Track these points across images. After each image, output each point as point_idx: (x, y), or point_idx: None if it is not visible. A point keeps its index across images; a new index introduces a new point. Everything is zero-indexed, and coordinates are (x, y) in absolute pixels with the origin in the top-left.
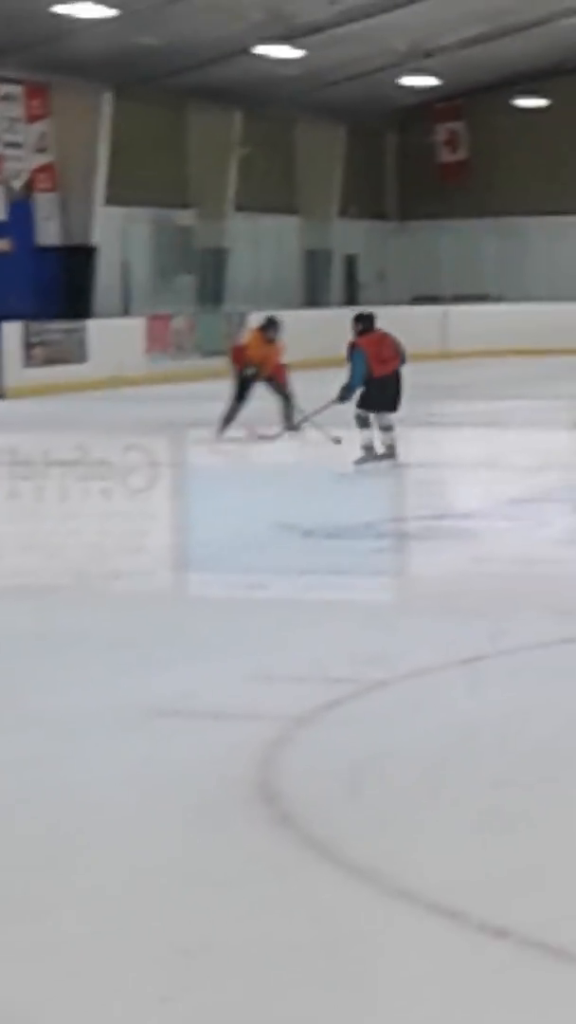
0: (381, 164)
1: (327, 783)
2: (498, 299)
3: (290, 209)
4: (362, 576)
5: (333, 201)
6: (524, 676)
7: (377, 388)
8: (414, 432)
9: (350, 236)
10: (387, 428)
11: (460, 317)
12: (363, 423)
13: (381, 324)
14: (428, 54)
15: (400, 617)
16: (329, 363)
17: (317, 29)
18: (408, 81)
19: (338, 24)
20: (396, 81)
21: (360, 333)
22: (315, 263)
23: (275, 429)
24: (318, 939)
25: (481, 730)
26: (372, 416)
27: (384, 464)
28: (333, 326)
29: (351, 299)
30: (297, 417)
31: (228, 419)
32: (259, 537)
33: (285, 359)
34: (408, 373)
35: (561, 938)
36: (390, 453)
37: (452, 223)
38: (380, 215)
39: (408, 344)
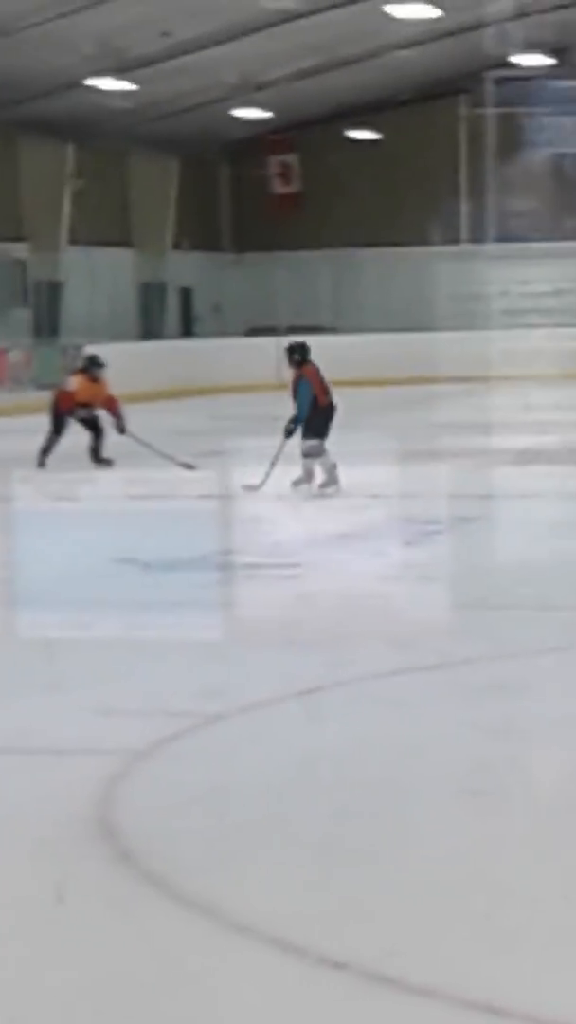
0: (215, 196)
1: (167, 818)
2: (333, 330)
3: (125, 242)
4: (200, 609)
5: (167, 233)
6: (361, 707)
7: (322, 417)
8: (249, 465)
9: (185, 268)
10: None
11: None
12: (319, 451)
13: (218, 356)
14: (260, 87)
15: (238, 650)
16: (165, 395)
17: (149, 62)
18: (240, 113)
19: (170, 57)
20: (229, 114)
21: (299, 364)
22: (150, 296)
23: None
24: (158, 975)
25: (319, 762)
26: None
27: (330, 490)
28: (169, 358)
29: (187, 331)
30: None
31: (46, 450)
32: (98, 570)
33: (114, 391)
34: (244, 405)
35: (398, 969)
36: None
37: (286, 255)
38: (215, 247)
39: (244, 376)
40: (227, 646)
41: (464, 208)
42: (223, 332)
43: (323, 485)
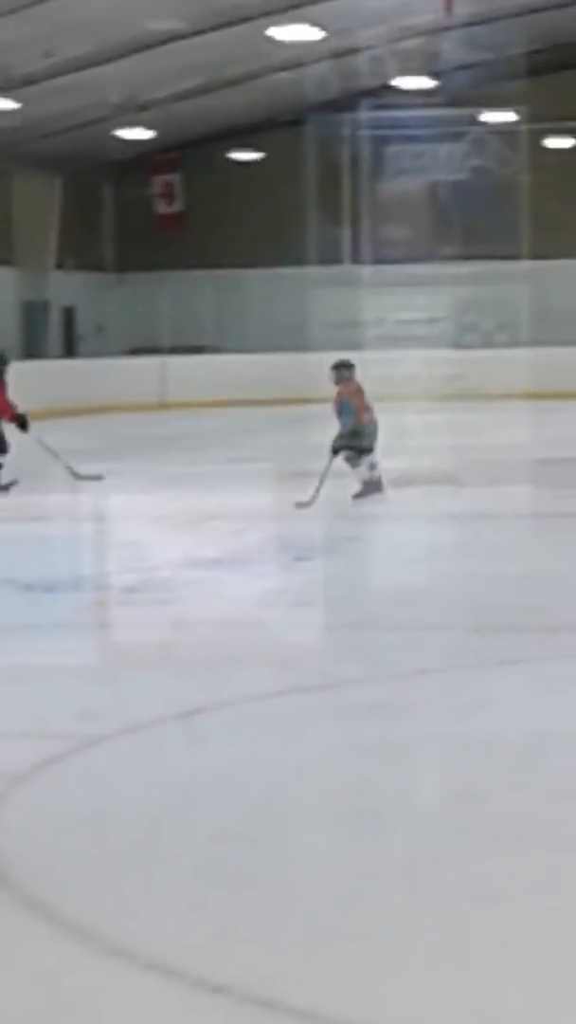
0: (98, 216)
1: (46, 841)
2: (215, 350)
3: (6, 261)
4: (80, 631)
5: (50, 253)
6: (241, 729)
7: (360, 436)
8: (129, 484)
9: (67, 288)
10: (372, 466)
11: (178, 368)
12: (355, 462)
13: (101, 376)
14: (143, 107)
15: (118, 672)
16: (47, 415)
17: (32, 81)
18: (124, 133)
19: (54, 76)
20: (112, 133)
21: (344, 381)
22: (32, 315)
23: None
24: (37, 1000)
25: (200, 784)
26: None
27: (377, 496)
28: (51, 378)
29: (69, 351)
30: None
31: None
32: None
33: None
34: (126, 425)
35: (277, 992)
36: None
37: (170, 275)
38: (98, 267)
39: (126, 395)
40: (107, 668)
41: (345, 231)
42: (106, 352)
43: (358, 495)
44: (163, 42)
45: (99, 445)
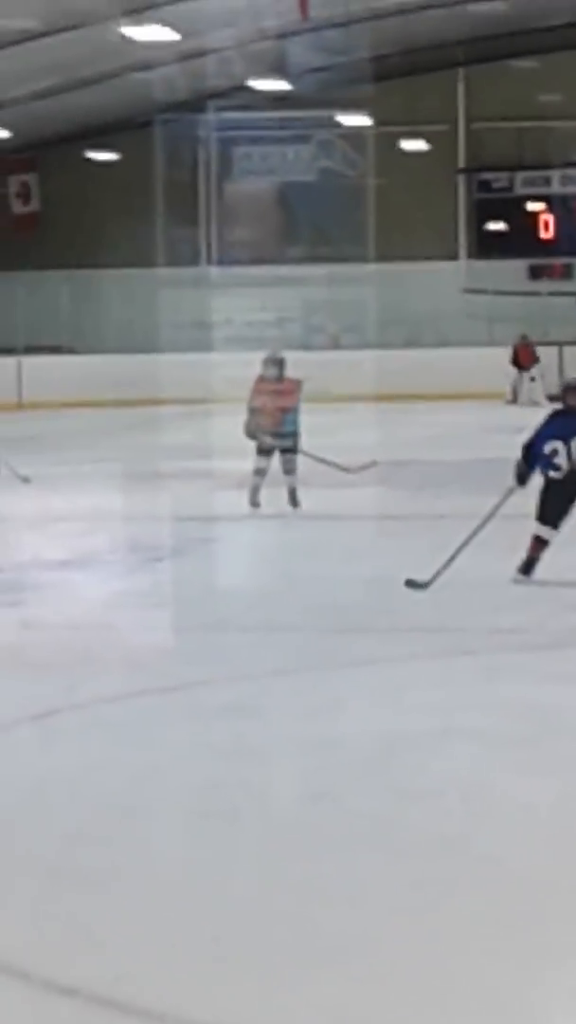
0: None
1: None
2: (71, 350)
3: None
4: None
5: None
6: (95, 731)
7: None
8: None
9: None
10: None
11: (34, 368)
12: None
13: None
14: None
15: None
16: None
17: None
18: None
19: None
20: None
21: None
22: None
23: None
24: None
25: (52, 786)
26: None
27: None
28: None
29: None
30: None
31: None
32: None
33: None
34: None
35: (128, 994)
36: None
37: (25, 275)
38: None
39: None
40: None
41: (200, 231)
42: None
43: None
44: (18, 41)
45: None
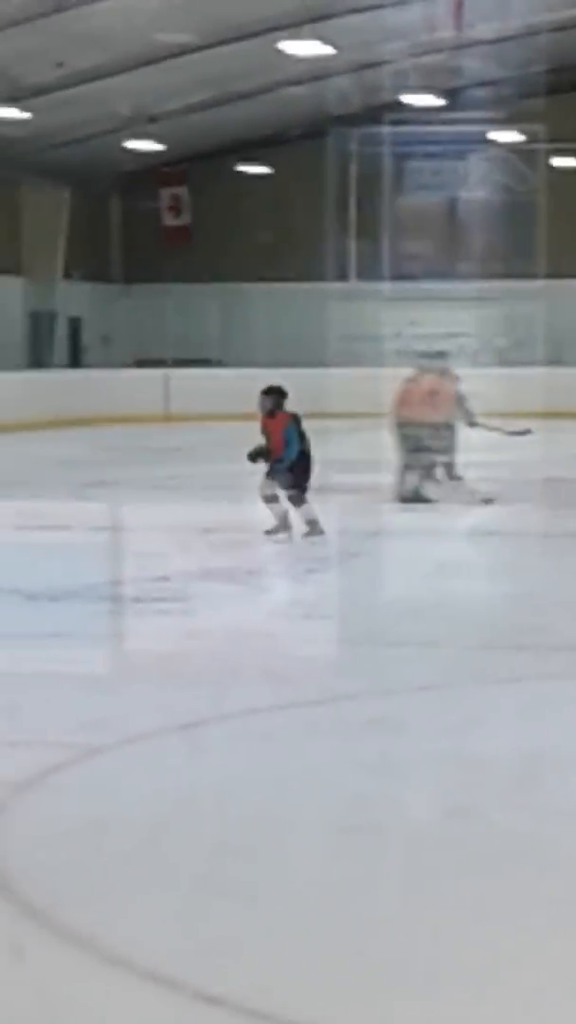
0: (106, 227)
1: (46, 850)
2: (220, 363)
3: (13, 270)
4: (83, 641)
5: (57, 263)
6: (241, 742)
7: (303, 464)
8: (132, 495)
9: (74, 298)
10: (299, 501)
11: (182, 381)
12: (270, 499)
13: (106, 387)
14: (153, 119)
15: (120, 682)
16: (51, 425)
17: (43, 91)
18: (133, 145)
19: (64, 87)
20: (121, 145)
21: (275, 410)
22: (39, 325)
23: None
24: (35, 1009)
25: (198, 796)
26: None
27: (316, 538)
28: (57, 388)
29: (75, 362)
30: None
31: None
32: None
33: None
34: (130, 436)
35: (273, 1004)
36: (315, 529)
37: (175, 287)
38: (104, 278)
39: (130, 407)
40: (109, 679)
41: (353, 246)
42: (111, 363)
43: (271, 531)
44: (174, 55)
45: (102, 456)
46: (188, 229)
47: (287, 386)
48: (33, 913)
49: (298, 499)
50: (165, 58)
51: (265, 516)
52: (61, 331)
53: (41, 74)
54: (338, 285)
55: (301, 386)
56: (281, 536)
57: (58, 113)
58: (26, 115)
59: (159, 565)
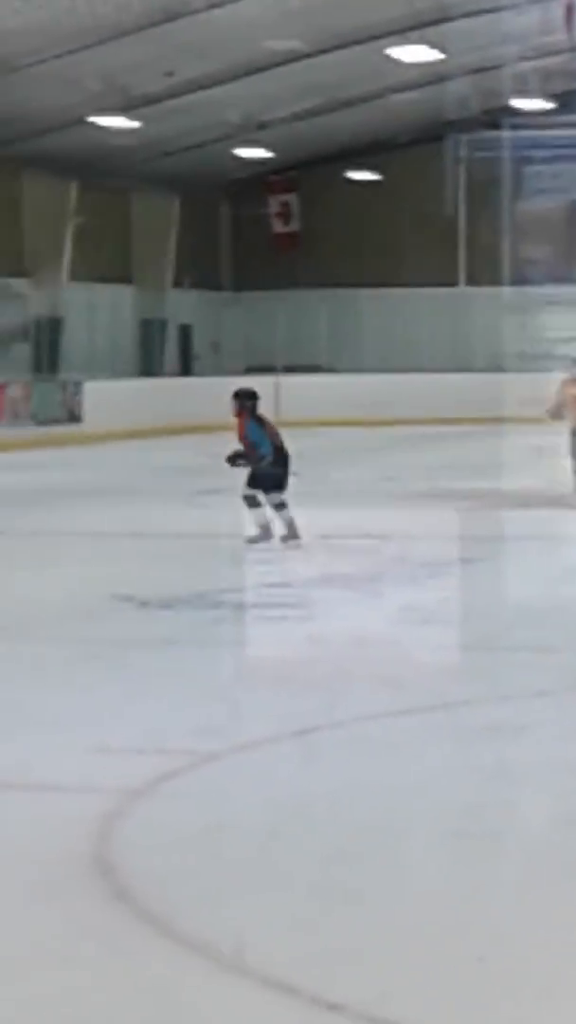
0: (215, 234)
1: (162, 856)
2: (329, 370)
3: (125, 278)
4: (196, 647)
5: (168, 271)
6: (356, 749)
7: (281, 461)
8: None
9: (184, 306)
10: (281, 506)
11: (292, 387)
12: (253, 502)
13: (216, 394)
14: (262, 126)
15: (233, 688)
16: (162, 432)
17: (153, 100)
18: (242, 153)
19: (174, 95)
20: (230, 152)
21: (249, 411)
22: (150, 332)
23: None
24: (154, 1015)
25: (314, 803)
26: (261, 495)
27: (291, 543)
28: (167, 395)
29: (185, 369)
30: None
31: None
32: (95, 607)
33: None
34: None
35: (392, 1012)
36: (293, 533)
37: (285, 294)
38: (214, 285)
39: None
40: (224, 685)
41: (462, 251)
42: (221, 370)
43: (252, 539)
44: (283, 62)
45: (214, 463)
46: (297, 236)
47: (390, 392)
48: (150, 919)
49: (281, 505)
50: (274, 66)
51: (248, 522)
52: (171, 339)
53: (151, 83)
54: (448, 290)
55: (411, 391)
56: (263, 544)
57: (168, 122)
58: (136, 124)
59: (270, 572)
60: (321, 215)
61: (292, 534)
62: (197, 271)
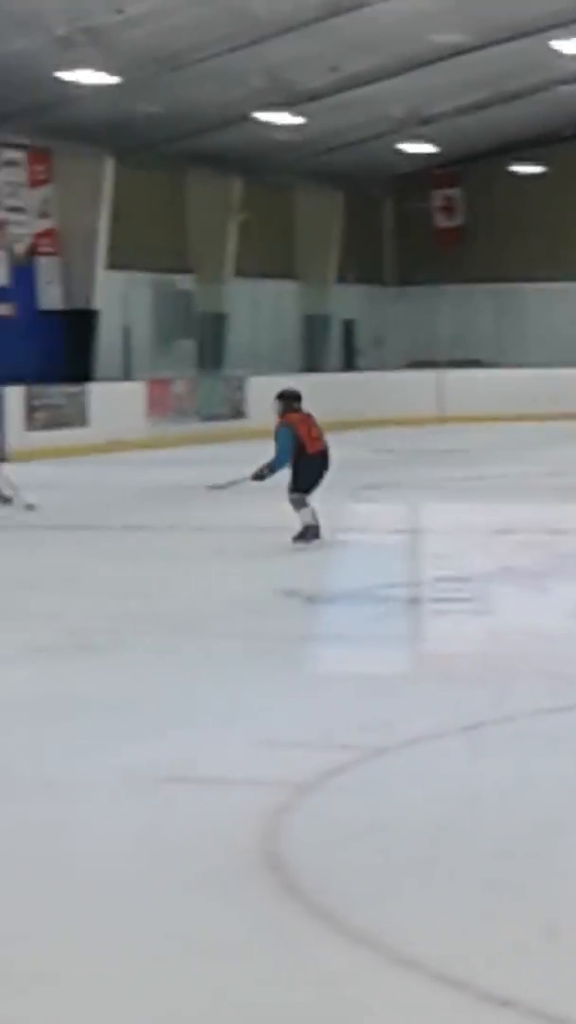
0: (379, 230)
1: (331, 851)
2: (494, 365)
3: (289, 274)
4: (363, 642)
5: (331, 266)
6: (525, 744)
7: (309, 466)
8: (410, 496)
9: (348, 301)
10: (305, 505)
11: (456, 382)
12: (300, 504)
13: (380, 389)
14: (425, 121)
15: (401, 683)
16: (326, 427)
17: (317, 96)
18: (406, 147)
19: (337, 91)
20: (394, 147)
21: (284, 412)
22: (313, 328)
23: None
24: (324, 1009)
25: (482, 798)
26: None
27: (298, 544)
28: (331, 391)
29: (349, 364)
30: None
31: None
32: (261, 603)
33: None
34: (405, 438)
35: (565, 1010)
36: (303, 535)
37: (449, 289)
38: (378, 280)
39: (404, 408)
40: (390, 679)
41: None
42: (384, 365)
43: (298, 538)
44: (447, 56)
45: (378, 457)
46: (461, 230)
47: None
48: (321, 914)
49: (299, 502)
50: (438, 59)
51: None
52: (335, 334)
53: (315, 79)
54: None
55: (570, 387)
56: (314, 542)
57: (331, 117)
58: (300, 120)
59: (436, 566)
60: (485, 209)
61: (302, 535)
62: (360, 266)
